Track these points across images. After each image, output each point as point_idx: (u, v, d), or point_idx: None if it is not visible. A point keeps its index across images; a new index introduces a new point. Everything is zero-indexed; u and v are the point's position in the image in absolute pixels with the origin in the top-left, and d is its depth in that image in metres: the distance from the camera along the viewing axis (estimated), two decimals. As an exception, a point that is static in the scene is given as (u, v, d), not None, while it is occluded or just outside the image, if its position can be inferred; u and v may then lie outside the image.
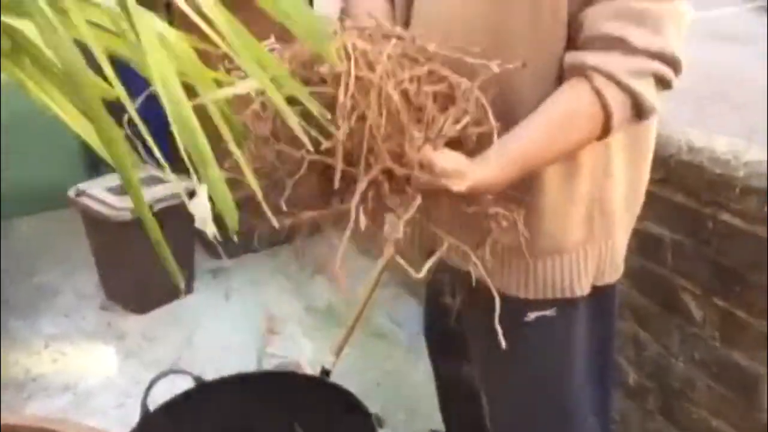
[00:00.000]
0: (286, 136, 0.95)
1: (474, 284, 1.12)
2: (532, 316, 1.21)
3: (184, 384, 1.73)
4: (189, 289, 2.78)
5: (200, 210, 2.70)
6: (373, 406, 1.67)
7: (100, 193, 2.62)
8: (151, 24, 0.62)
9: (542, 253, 1.17)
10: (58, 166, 3.30)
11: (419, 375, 2.32)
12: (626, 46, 1.00)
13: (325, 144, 0.89)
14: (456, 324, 1.37)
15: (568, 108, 1.04)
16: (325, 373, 2.01)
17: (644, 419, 1.70)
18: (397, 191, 0.97)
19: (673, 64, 1.02)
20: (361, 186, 0.92)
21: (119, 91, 0.66)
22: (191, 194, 2.15)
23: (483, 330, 1.29)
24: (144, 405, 1.65)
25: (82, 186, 2.68)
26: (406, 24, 1.21)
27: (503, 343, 1.06)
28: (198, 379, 1.73)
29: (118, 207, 2.52)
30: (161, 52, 0.60)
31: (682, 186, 1.51)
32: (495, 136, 0.99)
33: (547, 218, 1.15)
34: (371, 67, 0.92)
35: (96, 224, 2.64)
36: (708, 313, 1.51)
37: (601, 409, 1.34)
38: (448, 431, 1.79)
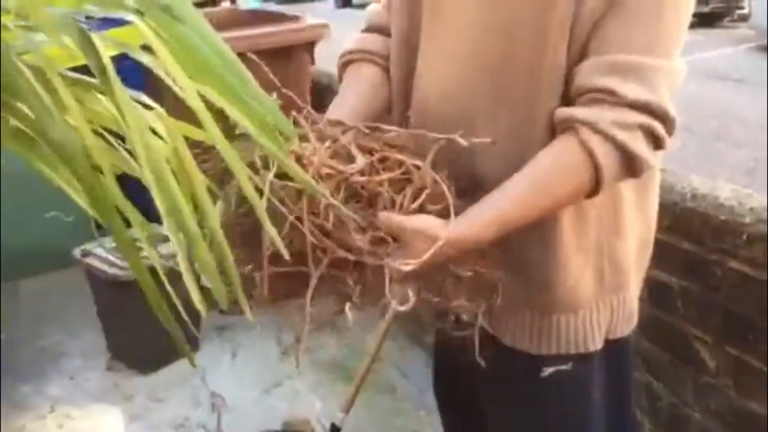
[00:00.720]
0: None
1: (483, 341, 1.11)
2: (547, 371, 1.19)
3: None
4: (195, 347, 2.76)
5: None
6: (383, 465, 1.64)
7: (105, 253, 2.62)
8: (140, 116, 0.63)
9: (554, 308, 1.15)
10: (62, 226, 3.30)
11: (430, 430, 2.28)
12: (614, 99, 0.99)
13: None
14: (466, 378, 1.35)
15: (553, 162, 1.02)
16: (336, 429, 1.98)
17: (662, 472, 1.66)
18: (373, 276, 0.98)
19: (663, 119, 1.00)
20: (313, 282, 0.97)
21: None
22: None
23: (496, 387, 1.28)
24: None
25: (87, 246, 2.69)
26: (410, 62, 1.21)
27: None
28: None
29: (124, 266, 2.51)
30: (151, 143, 0.61)
31: (689, 233, 1.51)
32: (452, 211, 0.98)
33: (559, 272, 1.13)
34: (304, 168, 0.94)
35: (101, 284, 2.64)
36: (721, 362, 1.48)
37: None
38: None
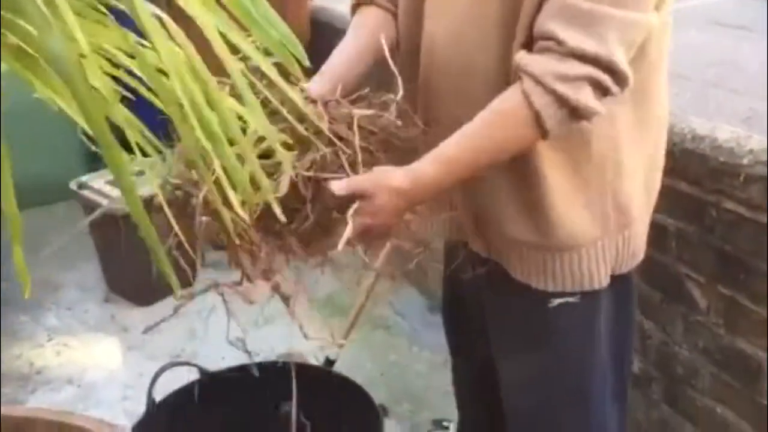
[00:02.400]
0: None
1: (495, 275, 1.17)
2: (555, 302, 1.22)
3: (188, 376, 1.73)
4: (190, 282, 2.78)
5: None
6: (377, 397, 1.67)
7: (101, 185, 2.62)
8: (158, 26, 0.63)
9: (558, 248, 1.18)
10: (58, 159, 3.29)
11: (423, 365, 2.33)
12: (559, 48, 1.00)
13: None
14: (473, 302, 1.39)
15: (497, 108, 1.06)
16: (330, 363, 2.02)
17: (649, 407, 1.71)
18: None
19: (611, 71, 1.00)
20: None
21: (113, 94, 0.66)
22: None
23: (504, 312, 1.31)
24: (150, 396, 1.66)
25: (83, 178, 2.68)
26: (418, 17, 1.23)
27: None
28: (203, 371, 1.74)
29: (119, 199, 2.52)
30: (166, 45, 0.61)
31: (686, 174, 1.51)
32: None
33: (556, 213, 1.15)
34: None
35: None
36: (712, 301, 1.51)
37: (619, 395, 1.35)
38: (463, 414, 1.79)
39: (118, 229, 2.58)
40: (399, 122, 1.12)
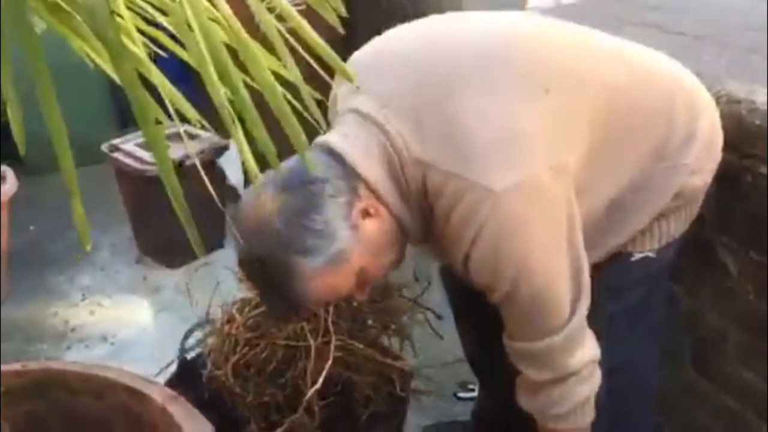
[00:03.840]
0: None
1: None
2: (636, 256, 1.35)
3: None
4: (221, 245, 2.81)
5: (232, 166, 2.75)
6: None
7: (132, 148, 2.65)
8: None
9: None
10: (89, 121, 3.33)
11: (449, 327, 2.34)
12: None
13: None
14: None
15: None
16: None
17: (675, 372, 1.70)
18: None
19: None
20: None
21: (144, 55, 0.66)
22: (222, 150, 2.18)
23: None
24: (181, 354, 1.69)
25: (115, 141, 2.71)
26: None
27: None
28: (233, 330, 1.76)
29: (151, 162, 2.54)
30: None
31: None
32: None
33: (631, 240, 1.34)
34: None
35: (129, 179, 2.68)
36: (743, 267, 1.49)
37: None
38: (481, 379, 1.82)
39: (149, 192, 2.62)
40: None
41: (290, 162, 1.12)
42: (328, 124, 1.23)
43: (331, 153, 1.14)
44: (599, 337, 1.26)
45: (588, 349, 1.23)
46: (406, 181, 1.14)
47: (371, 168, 1.13)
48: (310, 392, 1.40)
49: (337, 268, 1.13)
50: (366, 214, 1.14)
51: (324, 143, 1.16)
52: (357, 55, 1.28)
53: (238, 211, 1.20)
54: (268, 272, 1.13)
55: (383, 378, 1.57)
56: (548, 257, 1.16)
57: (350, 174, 1.12)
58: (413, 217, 1.18)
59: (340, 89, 1.23)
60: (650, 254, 1.34)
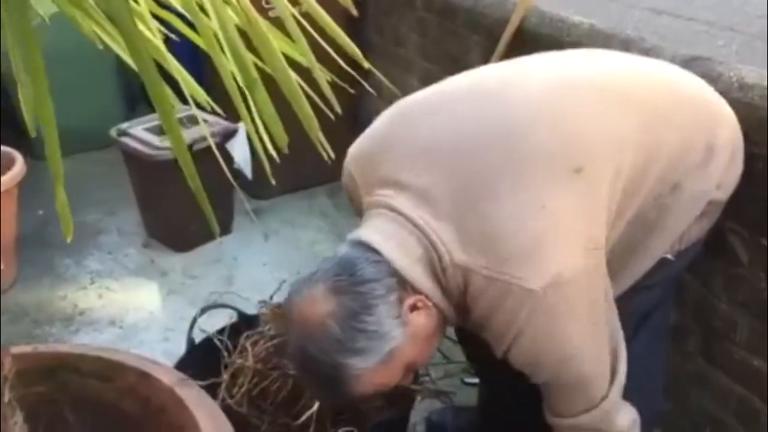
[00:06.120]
0: None
1: None
2: (668, 256, 1.36)
3: (226, 320, 1.77)
4: (228, 230, 2.82)
5: (240, 150, 2.74)
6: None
7: (141, 133, 2.65)
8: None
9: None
10: (97, 106, 3.33)
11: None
12: None
13: None
14: None
15: None
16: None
17: (684, 360, 1.70)
18: None
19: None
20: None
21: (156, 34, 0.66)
22: (230, 135, 2.19)
23: None
24: (189, 337, 1.70)
25: (123, 126, 2.71)
26: None
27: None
28: (241, 313, 1.77)
29: (159, 146, 2.54)
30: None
31: (732, 124, 1.47)
32: None
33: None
34: None
35: (137, 164, 2.67)
36: (754, 254, 1.49)
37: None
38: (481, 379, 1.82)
39: (157, 176, 2.62)
40: None
41: (337, 257, 1.18)
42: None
43: (374, 250, 1.17)
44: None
45: (628, 407, 1.30)
46: (446, 279, 1.18)
47: (415, 270, 1.17)
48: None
49: (389, 365, 1.17)
50: (414, 308, 1.18)
51: (366, 242, 1.18)
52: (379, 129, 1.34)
53: (287, 306, 1.24)
54: (320, 370, 1.17)
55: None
56: (587, 342, 1.20)
57: (396, 272, 1.16)
58: (454, 309, 1.22)
59: (357, 166, 1.32)
60: (669, 256, 1.36)
